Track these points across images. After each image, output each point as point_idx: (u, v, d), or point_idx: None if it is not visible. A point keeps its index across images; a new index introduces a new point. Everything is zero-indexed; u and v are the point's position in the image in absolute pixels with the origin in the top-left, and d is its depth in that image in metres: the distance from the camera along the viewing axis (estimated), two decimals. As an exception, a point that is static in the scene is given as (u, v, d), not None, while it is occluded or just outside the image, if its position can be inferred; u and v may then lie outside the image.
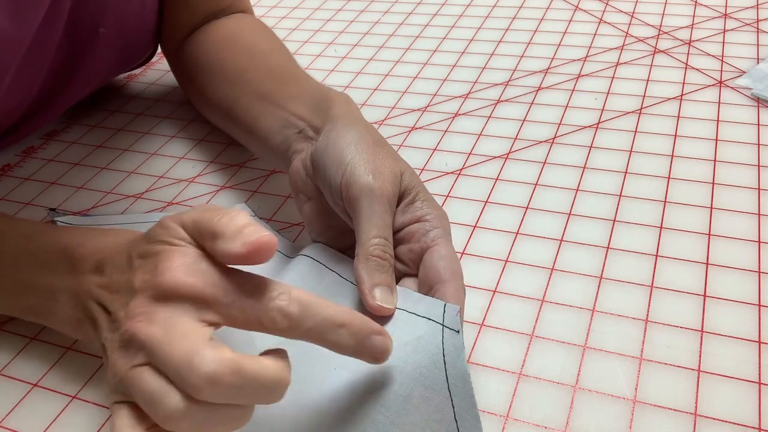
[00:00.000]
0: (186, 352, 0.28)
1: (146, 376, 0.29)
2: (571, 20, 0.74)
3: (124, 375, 0.30)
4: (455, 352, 0.33)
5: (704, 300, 0.42)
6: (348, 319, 0.30)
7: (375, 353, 0.31)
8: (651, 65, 0.65)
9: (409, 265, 0.38)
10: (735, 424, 0.35)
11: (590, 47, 0.69)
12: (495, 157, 0.55)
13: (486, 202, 0.51)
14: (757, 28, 0.68)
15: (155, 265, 0.31)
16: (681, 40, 0.68)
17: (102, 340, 0.33)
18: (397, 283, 0.37)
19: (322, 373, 0.34)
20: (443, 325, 0.33)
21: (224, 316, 0.30)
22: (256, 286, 0.30)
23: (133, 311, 0.30)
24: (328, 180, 0.38)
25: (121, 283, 0.32)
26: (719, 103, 0.59)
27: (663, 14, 0.73)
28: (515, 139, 0.57)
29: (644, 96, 0.60)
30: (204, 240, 0.30)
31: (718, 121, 0.56)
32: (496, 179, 0.53)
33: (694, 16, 0.72)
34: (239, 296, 0.29)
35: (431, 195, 0.39)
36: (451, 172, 0.54)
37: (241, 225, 0.29)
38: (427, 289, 0.36)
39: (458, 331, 0.33)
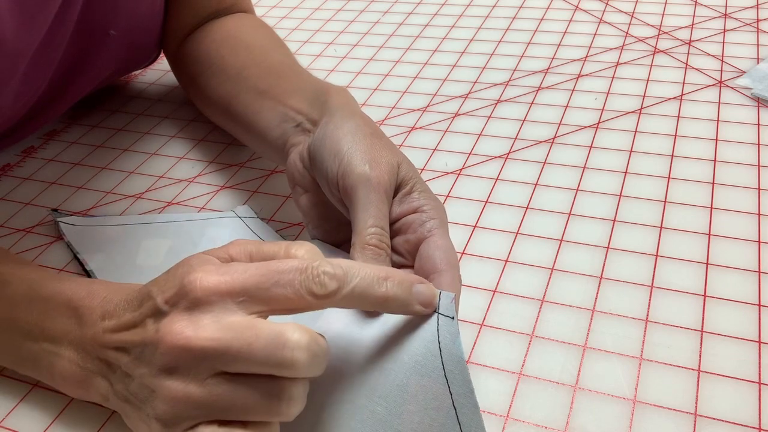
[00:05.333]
0: (269, 335, 0.27)
1: (229, 385, 0.28)
2: (571, 20, 0.74)
3: (195, 396, 0.28)
4: (450, 339, 0.32)
5: (704, 300, 0.42)
6: (390, 271, 0.31)
7: (424, 301, 0.32)
8: (651, 65, 0.65)
9: (406, 256, 0.38)
10: (735, 424, 0.35)
11: (590, 47, 0.68)
12: (495, 157, 0.55)
13: (486, 202, 0.51)
14: (757, 28, 0.68)
15: (180, 281, 0.29)
16: (681, 40, 0.68)
17: (121, 390, 0.31)
18: None
19: None
20: (438, 313, 0.33)
21: (269, 300, 0.29)
22: (291, 265, 0.29)
23: (169, 327, 0.28)
24: (325, 170, 0.38)
25: (137, 316, 0.31)
26: (719, 103, 0.59)
27: (663, 14, 0.73)
28: (515, 139, 0.57)
29: (644, 96, 0.60)
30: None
31: (718, 121, 0.56)
32: (496, 179, 0.53)
33: (694, 16, 0.72)
34: (279, 276, 0.29)
35: (428, 186, 0.39)
36: (451, 172, 0.54)
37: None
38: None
39: (453, 318, 0.33)
